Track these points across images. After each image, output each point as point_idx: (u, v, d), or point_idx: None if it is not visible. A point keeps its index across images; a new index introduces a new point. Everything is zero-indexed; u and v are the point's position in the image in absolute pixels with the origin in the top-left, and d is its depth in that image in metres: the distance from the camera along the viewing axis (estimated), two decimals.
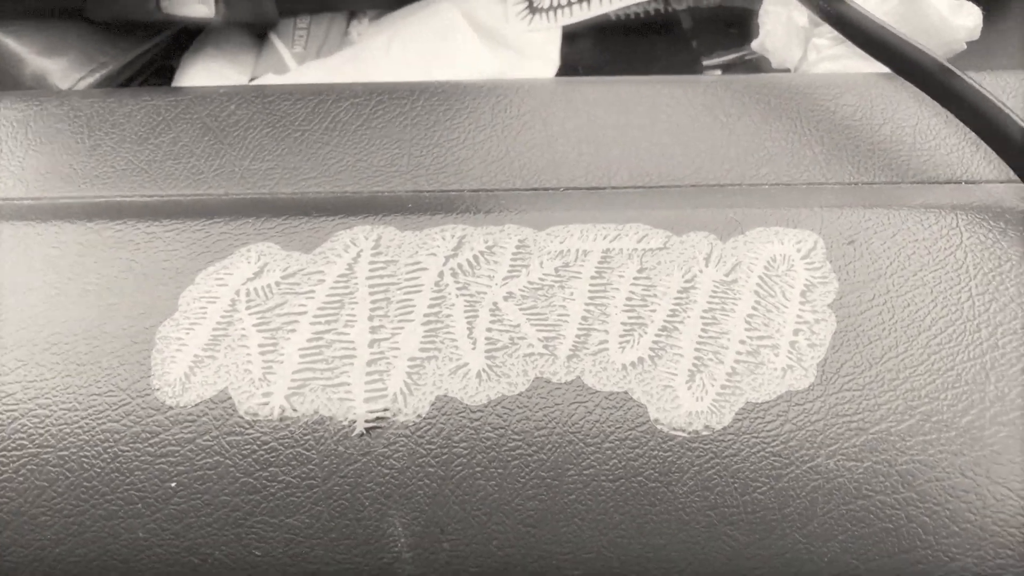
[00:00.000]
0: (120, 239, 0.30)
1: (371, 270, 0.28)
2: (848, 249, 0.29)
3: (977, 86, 0.30)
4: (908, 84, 0.33)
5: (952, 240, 0.29)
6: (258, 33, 0.42)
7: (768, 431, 0.26)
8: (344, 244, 0.29)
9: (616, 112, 0.33)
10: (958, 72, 0.30)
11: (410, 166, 0.32)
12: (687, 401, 0.27)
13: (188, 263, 0.29)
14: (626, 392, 0.27)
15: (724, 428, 0.26)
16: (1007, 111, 0.29)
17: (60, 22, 0.38)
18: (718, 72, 0.41)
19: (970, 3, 0.37)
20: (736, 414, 0.26)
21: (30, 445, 0.26)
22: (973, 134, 0.31)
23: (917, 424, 0.26)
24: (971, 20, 0.37)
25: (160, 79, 0.42)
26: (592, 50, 0.42)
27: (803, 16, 0.37)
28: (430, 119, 0.33)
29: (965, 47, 0.38)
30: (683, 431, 0.26)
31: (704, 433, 0.26)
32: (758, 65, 0.40)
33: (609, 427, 0.26)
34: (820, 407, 0.27)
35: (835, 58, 0.36)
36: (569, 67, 0.40)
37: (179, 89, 0.37)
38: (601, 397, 0.27)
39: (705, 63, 0.41)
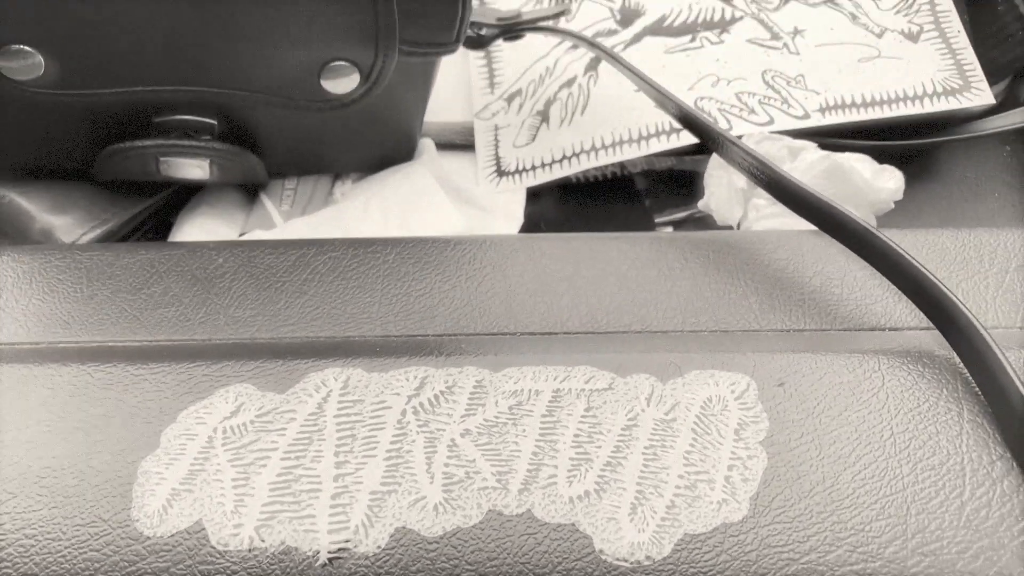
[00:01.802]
0: (110, 381, 0.32)
1: (339, 409, 0.31)
2: (778, 391, 0.31)
3: (893, 244, 0.33)
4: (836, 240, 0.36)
5: (875, 383, 0.32)
6: (250, 191, 0.46)
7: (705, 561, 0.28)
8: (315, 385, 0.32)
9: (569, 265, 0.37)
10: (876, 231, 0.34)
11: (380, 313, 0.35)
12: (630, 533, 0.29)
13: (171, 403, 0.32)
14: (573, 524, 0.29)
15: (664, 559, 0.28)
16: (918, 266, 0.33)
17: (67, 182, 0.42)
18: (669, 228, 0.45)
19: (892, 167, 0.41)
20: (675, 545, 0.28)
21: (14, 574, 0.28)
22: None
23: (844, 555, 0.28)
24: (893, 183, 0.40)
25: (159, 233, 0.45)
26: (554, 208, 0.46)
27: (742, 179, 0.41)
28: (401, 271, 0.36)
29: (893, 206, 0.42)
30: (626, 561, 0.28)
31: (646, 563, 0.28)
32: (705, 222, 0.44)
33: (557, 558, 0.28)
34: (753, 539, 0.28)
35: (772, 216, 0.40)
36: (532, 223, 0.44)
37: (172, 244, 0.40)
38: (550, 529, 0.29)
39: (657, 220, 0.45)
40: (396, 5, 0.37)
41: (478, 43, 0.44)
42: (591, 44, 0.43)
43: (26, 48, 0.36)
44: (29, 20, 0.35)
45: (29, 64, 0.37)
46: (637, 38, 0.48)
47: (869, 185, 0.40)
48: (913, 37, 0.47)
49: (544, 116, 0.47)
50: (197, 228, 0.44)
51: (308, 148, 0.44)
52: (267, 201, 0.44)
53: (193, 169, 0.42)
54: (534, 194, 0.46)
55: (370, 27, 0.38)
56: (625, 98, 0.43)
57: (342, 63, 0.39)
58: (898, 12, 0.47)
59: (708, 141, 0.38)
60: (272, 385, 0.32)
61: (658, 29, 0.48)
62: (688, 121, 0.39)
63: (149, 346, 0.35)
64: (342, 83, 0.40)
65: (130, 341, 0.35)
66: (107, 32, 0.36)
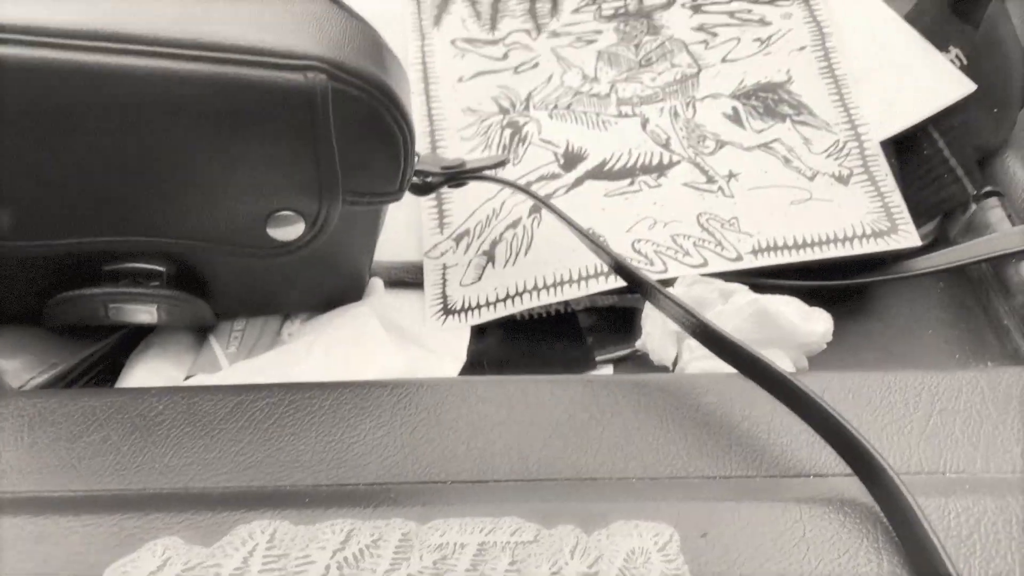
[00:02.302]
0: (41, 534, 0.33)
1: (264, 564, 0.31)
2: (701, 542, 0.32)
3: (810, 391, 0.34)
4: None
5: (796, 533, 0.32)
6: (199, 332, 0.47)
7: None
8: (242, 538, 0.32)
9: (503, 409, 0.37)
10: (794, 379, 0.35)
11: (312, 461, 0.36)
12: None
13: (99, 557, 0.32)
14: None
15: None
16: (835, 414, 0.33)
17: (17, 327, 0.43)
18: (609, 367, 0.46)
19: (820, 310, 0.42)
20: None
21: None
22: None
23: None
24: (821, 326, 0.42)
25: (110, 375, 0.46)
26: (498, 346, 0.47)
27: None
28: (336, 416, 0.37)
29: (825, 346, 0.43)
30: None
31: None
32: (644, 360, 0.45)
33: None
34: None
35: (705, 358, 0.41)
36: (476, 362, 0.45)
37: (115, 390, 0.41)
38: None
39: (598, 358, 0.46)
40: (338, 159, 0.39)
41: (424, 190, 0.46)
42: (529, 194, 0.45)
43: None
44: None
45: None
46: (579, 181, 0.50)
47: (797, 329, 0.41)
48: (843, 180, 0.49)
49: (490, 256, 0.48)
50: (146, 370, 0.44)
51: (256, 291, 0.45)
52: (215, 343, 0.45)
53: (141, 315, 0.43)
54: (479, 331, 0.47)
55: (313, 180, 0.39)
56: (566, 240, 0.45)
57: (287, 213, 0.41)
58: (829, 156, 0.50)
59: (639, 289, 0.40)
60: (200, 538, 0.32)
61: (599, 173, 0.50)
62: (620, 270, 0.41)
63: (83, 496, 0.35)
64: (288, 231, 0.41)
65: (66, 491, 0.35)
66: (60, 187, 0.38)
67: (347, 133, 0.38)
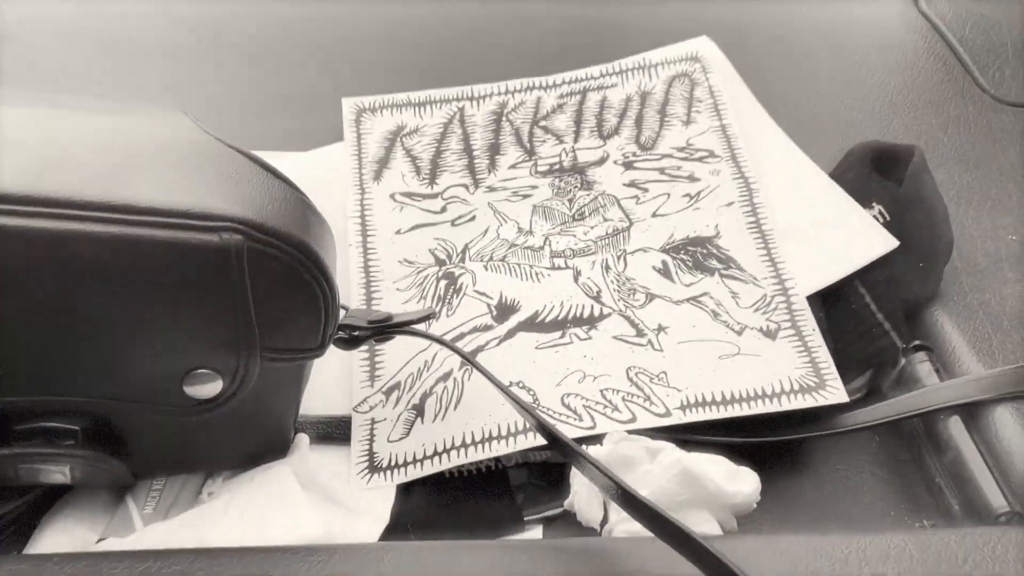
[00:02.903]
0: None
1: None
2: None
3: (726, 559, 0.33)
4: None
5: None
6: (117, 491, 0.45)
7: None
8: None
9: None
10: (710, 546, 0.34)
11: None
12: None
13: None
14: None
15: None
16: None
17: None
18: (539, 527, 0.44)
19: (747, 470, 0.42)
20: None
21: None
22: None
23: None
24: (748, 487, 0.41)
25: (24, 536, 0.44)
26: (424, 505, 0.45)
27: None
28: None
29: (755, 507, 0.42)
30: None
31: None
32: (575, 519, 0.43)
33: None
34: None
35: (632, 520, 0.40)
36: (399, 522, 0.43)
37: (15, 558, 0.39)
38: None
39: (527, 517, 0.44)
40: (256, 317, 0.38)
41: (350, 344, 0.45)
42: (454, 350, 0.45)
43: None
44: None
45: None
46: (511, 333, 0.50)
47: (723, 489, 0.40)
48: (771, 335, 0.49)
49: (419, 411, 0.48)
50: (59, 532, 0.43)
51: (175, 449, 0.44)
52: (131, 503, 0.44)
53: (54, 475, 0.41)
54: (405, 489, 0.45)
55: (230, 338, 0.39)
56: (497, 393, 0.44)
57: (204, 370, 0.40)
58: (757, 310, 0.50)
59: (562, 451, 0.39)
60: None
61: (530, 325, 0.50)
62: (543, 430, 0.40)
63: None
64: (205, 389, 0.40)
65: None
66: None
67: (265, 292, 0.38)
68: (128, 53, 0.65)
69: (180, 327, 0.38)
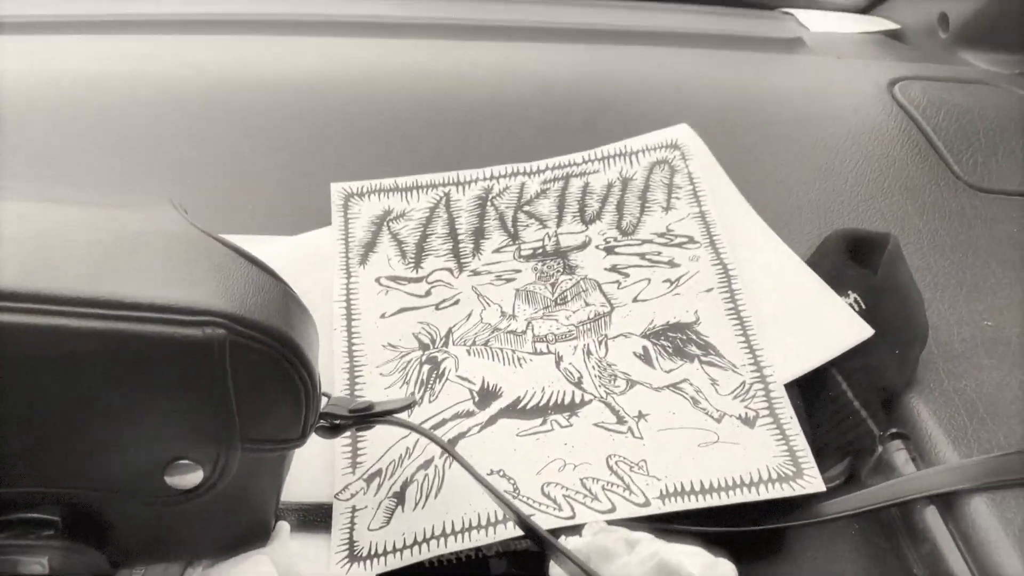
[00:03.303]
0: None
1: None
2: None
3: None
4: None
5: None
6: None
7: None
8: None
9: None
10: None
11: None
12: None
13: None
14: None
15: None
16: None
17: None
18: None
19: (724, 561, 0.42)
20: None
21: None
22: None
23: None
24: None
25: None
26: None
27: None
28: None
29: None
30: None
31: None
32: None
33: None
34: None
35: None
36: None
37: None
38: None
39: None
40: (237, 409, 0.39)
41: (332, 432, 0.46)
42: (434, 440, 0.45)
43: None
44: None
45: None
46: (492, 420, 0.50)
47: None
48: (749, 423, 0.49)
49: (400, 499, 0.48)
50: None
51: (155, 538, 0.44)
52: None
53: (32, 566, 0.41)
54: None
55: (211, 429, 0.39)
56: (477, 483, 0.44)
57: (185, 461, 0.40)
58: (736, 397, 0.51)
59: (539, 545, 0.39)
60: None
61: (512, 412, 0.51)
62: (521, 523, 0.40)
63: None
64: (186, 479, 0.41)
65: None
66: None
67: (246, 384, 0.39)
68: (118, 136, 0.66)
69: (162, 418, 0.39)
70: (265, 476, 0.44)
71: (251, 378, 0.39)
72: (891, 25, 0.92)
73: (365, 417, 0.46)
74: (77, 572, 0.43)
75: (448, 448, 0.45)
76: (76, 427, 0.39)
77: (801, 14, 0.93)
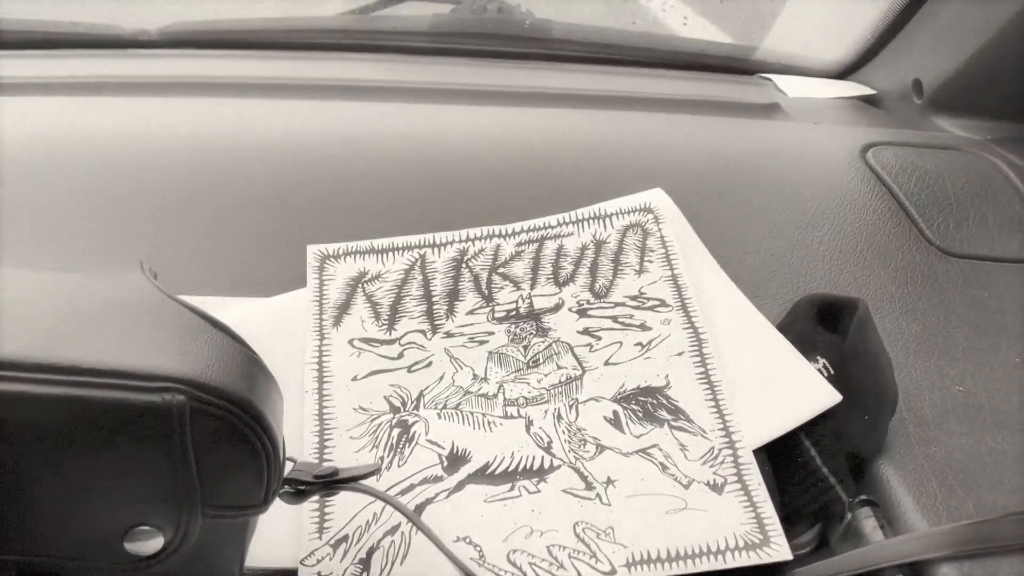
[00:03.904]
0: None
1: None
2: None
3: None
4: None
5: None
6: None
7: None
8: None
9: None
10: None
11: None
12: None
13: None
14: None
15: None
16: None
17: None
18: None
19: None
20: None
21: None
22: None
23: None
24: None
25: None
26: None
27: None
28: None
29: None
30: None
31: None
32: None
33: None
34: None
35: None
36: None
37: None
38: None
39: None
40: (197, 474, 0.39)
41: (297, 497, 0.45)
42: (398, 509, 0.45)
43: None
44: None
45: None
46: (460, 486, 0.50)
47: None
48: (718, 489, 0.49)
49: (366, 565, 0.47)
50: None
51: None
52: None
53: None
54: None
55: (171, 495, 0.39)
56: (441, 552, 0.44)
57: (145, 527, 0.40)
58: (705, 463, 0.50)
59: None
60: None
61: (480, 477, 0.50)
62: None
63: None
64: (146, 545, 0.40)
65: None
66: None
67: (206, 449, 0.39)
68: (95, 196, 0.67)
69: (122, 484, 0.39)
70: (228, 542, 0.43)
71: (211, 443, 0.39)
72: (867, 91, 0.93)
73: (330, 483, 0.46)
74: None
75: (413, 517, 0.44)
76: (34, 494, 0.38)
77: (779, 80, 0.95)
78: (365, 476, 0.46)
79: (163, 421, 0.38)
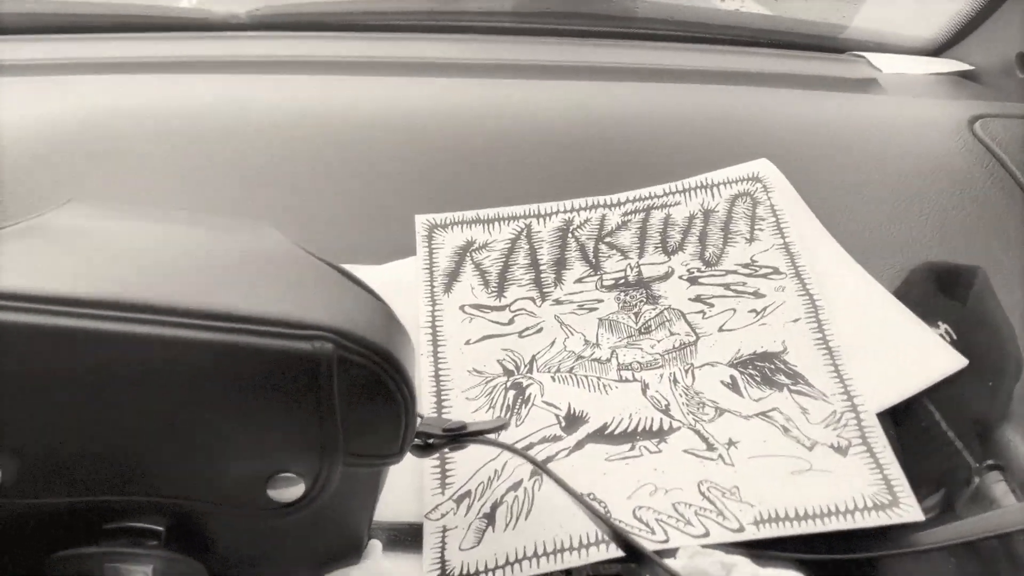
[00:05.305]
0: None
1: None
2: None
3: None
4: None
5: None
6: None
7: None
8: None
9: None
10: None
11: None
12: None
13: None
14: None
15: None
16: None
17: None
18: None
19: None
20: None
21: None
22: None
23: None
24: None
25: None
26: None
27: None
28: None
29: None
30: None
31: None
32: None
33: None
34: None
35: None
36: None
37: None
38: None
39: None
40: (340, 423, 0.40)
41: (425, 451, 0.46)
42: (529, 460, 0.46)
43: None
44: None
45: None
46: (580, 445, 0.51)
47: None
48: (842, 451, 0.49)
49: (490, 519, 0.48)
50: None
51: (253, 550, 0.44)
52: None
53: (136, 575, 0.42)
54: None
55: (315, 443, 0.40)
56: (568, 504, 0.45)
57: (288, 474, 0.41)
58: (827, 426, 0.50)
59: (638, 561, 0.39)
60: None
61: (600, 437, 0.51)
62: (619, 540, 0.40)
63: None
64: (288, 492, 0.41)
65: None
66: (66, 446, 0.39)
67: (350, 398, 0.40)
68: (203, 169, 0.69)
69: (269, 430, 0.40)
70: (362, 492, 0.44)
71: (355, 393, 0.40)
72: (965, 66, 0.92)
73: (458, 436, 0.46)
74: None
75: (542, 466, 0.45)
76: (187, 437, 0.40)
77: (872, 57, 0.94)
78: (494, 430, 0.47)
79: (313, 369, 0.39)
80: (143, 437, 0.39)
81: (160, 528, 0.42)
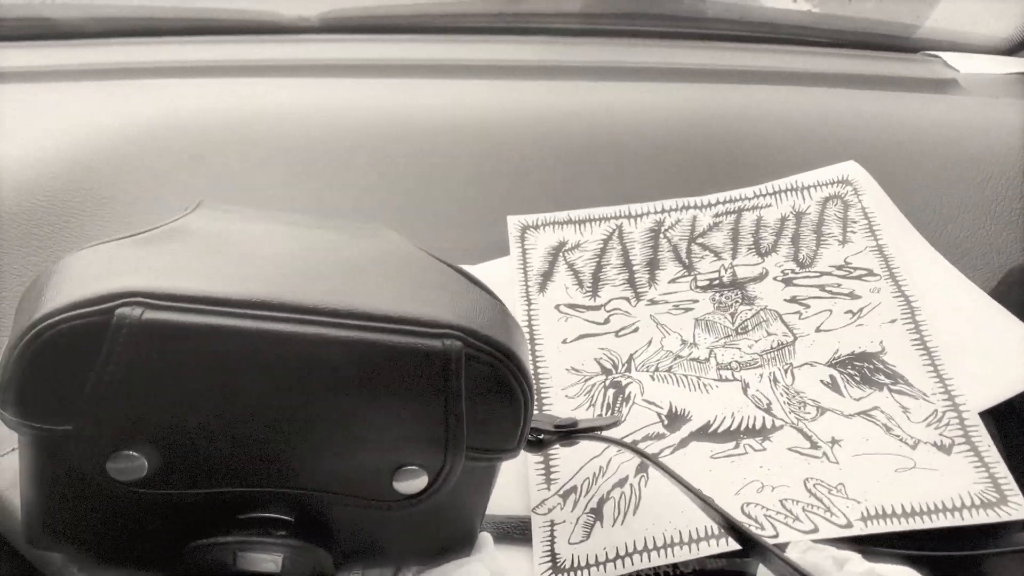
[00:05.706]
0: None
1: None
2: None
3: None
4: None
5: None
6: None
7: None
8: None
9: None
10: None
11: None
12: None
13: None
14: None
15: None
16: None
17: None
18: None
19: None
20: None
21: None
22: None
23: None
24: None
25: None
26: None
27: None
28: None
29: None
30: None
31: None
32: None
33: None
34: None
35: None
36: None
37: None
38: None
39: None
40: (465, 418, 0.41)
41: (537, 446, 0.48)
42: (643, 456, 0.47)
43: (133, 453, 0.41)
44: (145, 428, 0.40)
45: (134, 466, 0.41)
46: (683, 443, 0.52)
47: None
48: (946, 449, 0.50)
49: (598, 514, 0.49)
50: None
51: (374, 541, 0.46)
52: None
53: (267, 563, 0.44)
54: None
55: (440, 437, 0.42)
56: (674, 500, 0.46)
57: (413, 467, 0.43)
58: (929, 425, 0.51)
59: (754, 551, 0.40)
60: None
61: (703, 435, 0.52)
62: (733, 530, 0.41)
63: None
64: (412, 484, 0.43)
65: None
66: (211, 439, 0.41)
67: (474, 394, 0.41)
68: (287, 173, 0.71)
69: (397, 425, 0.41)
70: (478, 486, 0.46)
71: (479, 389, 0.42)
72: None
73: (570, 432, 0.48)
74: (303, 571, 0.46)
75: (656, 461, 0.46)
76: (321, 431, 0.41)
77: (947, 56, 0.93)
78: (606, 427, 0.48)
79: (443, 366, 0.40)
80: (279, 431, 0.41)
81: (290, 518, 0.43)
